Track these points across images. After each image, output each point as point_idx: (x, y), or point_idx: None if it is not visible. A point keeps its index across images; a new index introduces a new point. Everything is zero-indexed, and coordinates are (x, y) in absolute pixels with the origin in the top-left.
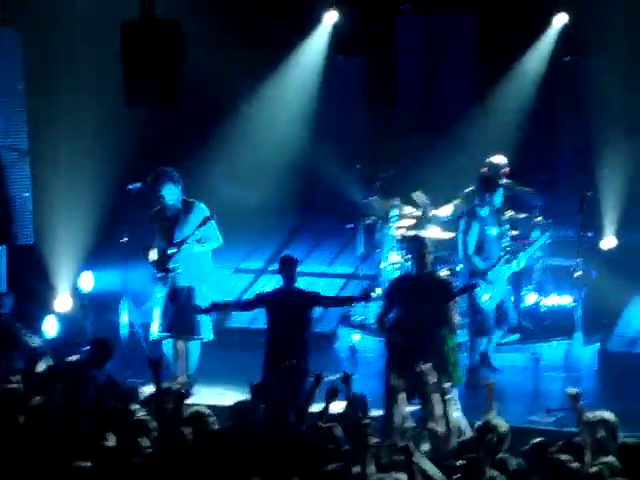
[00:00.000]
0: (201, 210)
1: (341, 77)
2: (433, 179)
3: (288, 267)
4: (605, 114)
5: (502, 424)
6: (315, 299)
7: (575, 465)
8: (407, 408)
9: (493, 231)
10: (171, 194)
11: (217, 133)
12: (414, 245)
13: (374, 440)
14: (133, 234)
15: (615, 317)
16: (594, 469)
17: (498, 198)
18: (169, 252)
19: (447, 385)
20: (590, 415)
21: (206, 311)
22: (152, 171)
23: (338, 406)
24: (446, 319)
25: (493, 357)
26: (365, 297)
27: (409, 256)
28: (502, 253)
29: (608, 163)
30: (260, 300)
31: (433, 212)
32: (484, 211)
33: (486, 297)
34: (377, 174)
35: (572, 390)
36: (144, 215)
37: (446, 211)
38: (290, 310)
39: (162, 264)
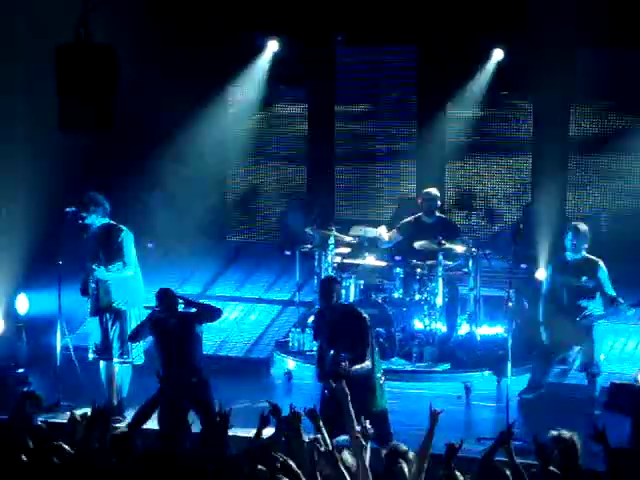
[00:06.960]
0: (125, 233)
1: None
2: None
3: (167, 299)
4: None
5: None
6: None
7: None
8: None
9: None
10: (96, 218)
11: (154, 160)
12: (321, 284)
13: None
14: (68, 257)
15: None
16: None
17: None
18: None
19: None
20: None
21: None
22: (83, 195)
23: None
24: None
25: None
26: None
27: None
28: None
29: (541, 196)
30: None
31: (378, 231)
32: None
33: None
34: (315, 203)
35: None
36: (79, 238)
37: (388, 236)
38: (172, 334)
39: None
